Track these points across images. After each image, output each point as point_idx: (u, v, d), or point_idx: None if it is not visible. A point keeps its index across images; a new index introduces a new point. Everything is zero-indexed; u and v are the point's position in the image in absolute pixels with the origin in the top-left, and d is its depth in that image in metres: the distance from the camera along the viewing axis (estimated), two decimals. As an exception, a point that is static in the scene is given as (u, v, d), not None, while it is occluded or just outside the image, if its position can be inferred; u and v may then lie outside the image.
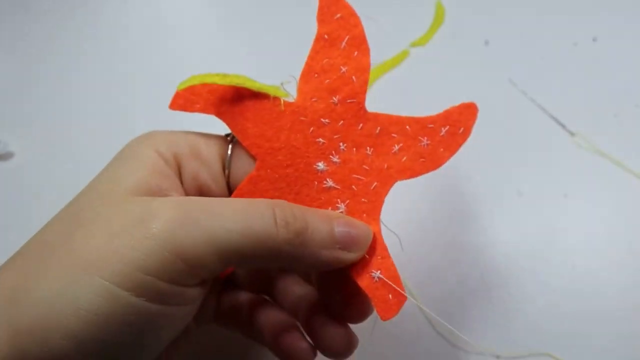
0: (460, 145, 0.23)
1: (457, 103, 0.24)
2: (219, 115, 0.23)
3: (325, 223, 0.21)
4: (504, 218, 0.37)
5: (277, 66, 0.47)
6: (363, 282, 0.23)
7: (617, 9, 0.47)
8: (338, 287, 0.24)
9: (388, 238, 0.23)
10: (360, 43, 0.23)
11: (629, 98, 0.42)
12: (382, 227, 0.23)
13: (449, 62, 0.46)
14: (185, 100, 0.24)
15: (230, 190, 0.24)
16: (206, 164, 0.24)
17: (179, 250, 0.18)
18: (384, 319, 0.23)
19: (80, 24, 0.56)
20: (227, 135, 0.25)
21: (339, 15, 0.22)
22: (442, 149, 0.23)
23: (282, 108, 0.22)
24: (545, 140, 0.40)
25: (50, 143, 0.45)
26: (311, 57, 0.23)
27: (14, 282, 0.18)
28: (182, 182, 0.23)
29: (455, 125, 0.24)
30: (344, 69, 0.22)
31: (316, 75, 0.22)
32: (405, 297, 0.22)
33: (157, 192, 0.21)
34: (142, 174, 0.21)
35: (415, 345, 0.32)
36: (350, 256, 0.22)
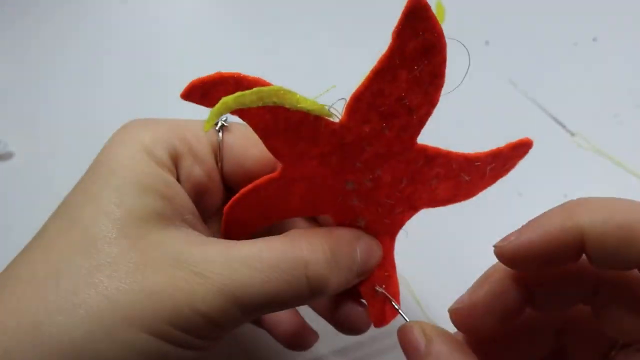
0: (497, 179, 0.23)
1: (511, 139, 0.23)
2: (242, 116, 0.20)
3: (354, 262, 0.21)
4: (504, 218, 0.36)
5: (279, 64, 0.48)
6: (365, 291, 0.23)
7: (617, 9, 0.47)
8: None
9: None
10: (436, 75, 0.19)
11: (629, 98, 0.41)
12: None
13: (449, 62, 0.46)
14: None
15: (224, 182, 0.24)
16: (199, 159, 0.22)
17: (212, 319, 0.18)
18: (377, 326, 0.24)
19: (81, 25, 0.56)
20: (215, 124, 0.23)
21: (422, 34, 0.17)
22: (480, 184, 0.22)
23: (323, 129, 0.19)
24: (545, 140, 0.40)
25: (50, 143, 0.45)
26: (372, 78, 0.18)
27: (35, 316, 0.17)
28: (180, 181, 0.22)
29: (504, 163, 0.22)
30: (406, 100, 0.18)
31: (372, 96, 0.18)
32: (397, 314, 0.23)
33: (171, 219, 0.20)
34: (148, 196, 0.19)
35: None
36: (360, 279, 0.22)
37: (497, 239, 0.27)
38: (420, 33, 0.17)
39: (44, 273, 0.18)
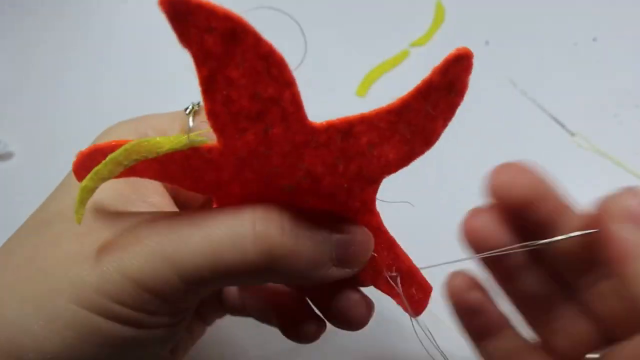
0: (457, 106, 0.18)
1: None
2: (133, 175, 0.18)
3: (322, 235, 0.18)
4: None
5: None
6: (380, 286, 0.21)
7: (617, 9, 0.47)
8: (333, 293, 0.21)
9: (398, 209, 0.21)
10: (275, 62, 0.15)
11: (628, 98, 0.42)
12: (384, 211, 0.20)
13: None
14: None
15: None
16: None
17: (146, 285, 0.17)
18: (415, 316, 0.21)
19: (83, 26, 0.56)
20: (186, 109, 0.22)
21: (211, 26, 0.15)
22: (431, 125, 0.18)
23: (210, 156, 0.17)
24: (545, 140, 0.40)
25: (50, 143, 0.45)
26: (204, 91, 0.16)
27: None
28: None
29: (446, 88, 0.18)
30: (259, 92, 0.15)
31: (223, 106, 0.16)
32: (431, 287, 0.20)
33: (128, 203, 0.20)
34: (112, 183, 0.19)
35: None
36: (347, 272, 0.19)
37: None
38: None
39: (4, 254, 0.19)
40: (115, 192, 0.20)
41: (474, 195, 0.39)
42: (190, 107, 0.22)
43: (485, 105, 0.43)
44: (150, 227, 0.17)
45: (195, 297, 0.18)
